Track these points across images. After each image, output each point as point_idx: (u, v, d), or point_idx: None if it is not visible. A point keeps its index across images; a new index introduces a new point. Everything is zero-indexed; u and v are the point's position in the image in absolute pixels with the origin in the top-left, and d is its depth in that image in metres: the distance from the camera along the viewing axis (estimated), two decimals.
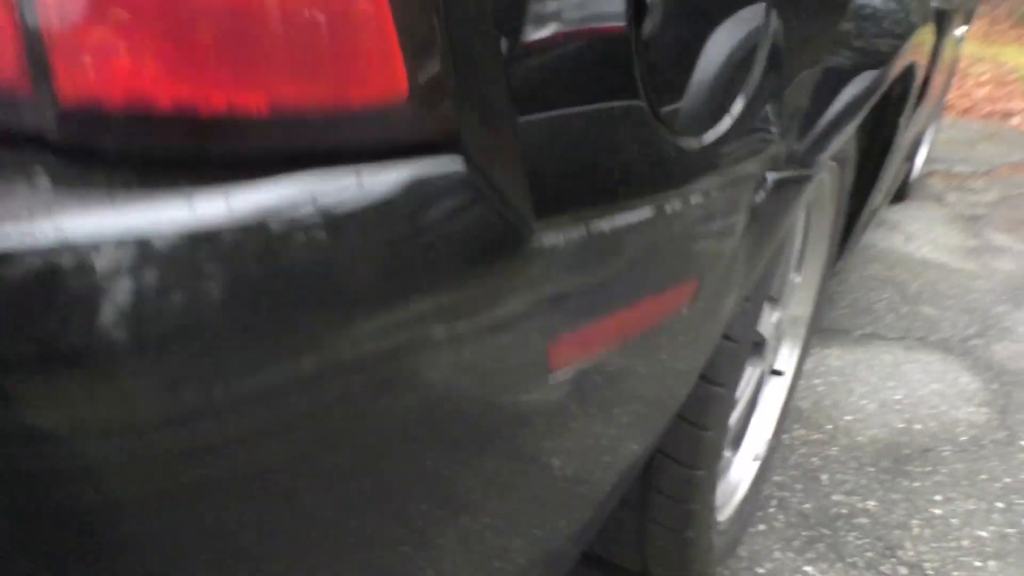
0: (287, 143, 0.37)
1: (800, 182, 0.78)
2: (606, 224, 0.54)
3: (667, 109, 0.55)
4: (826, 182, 1.17)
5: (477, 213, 0.44)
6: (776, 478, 1.45)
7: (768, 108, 0.68)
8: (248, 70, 0.35)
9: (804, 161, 0.78)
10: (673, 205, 0.60)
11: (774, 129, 0.70)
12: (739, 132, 0.64)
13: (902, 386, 1.80)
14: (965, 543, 1.33)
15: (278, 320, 0.37)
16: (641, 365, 0.68)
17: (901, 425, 1.65)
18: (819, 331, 2.02)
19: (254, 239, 0.35)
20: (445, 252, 0.43)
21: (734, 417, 1.11)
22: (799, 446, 1.55)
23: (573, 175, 0.50)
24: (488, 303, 0.47)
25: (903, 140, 1.52)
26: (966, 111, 5.04)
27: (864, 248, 2.66)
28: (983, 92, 5.34)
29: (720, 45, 0.59)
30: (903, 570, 1.26)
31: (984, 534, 1.36)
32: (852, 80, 0.83)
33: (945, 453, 1.57)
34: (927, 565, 1.27)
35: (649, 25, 0.51)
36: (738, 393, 1.13)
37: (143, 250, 0.33)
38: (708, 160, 0.62)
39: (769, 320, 1.13)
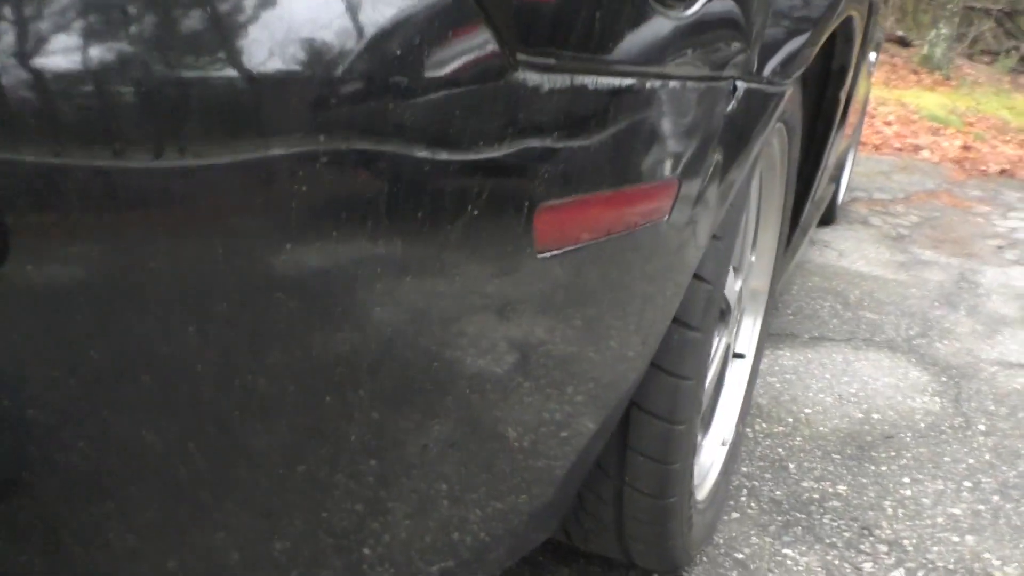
0: None
1: (767, 99, 0.76)
2: (589, 81, 0.49)
3: None
4: (775, 147, 1.16)
5: (458, 17, 0.39)
6: (744, 469, 1.39)
7: (737, 7, 0.65)
8: None
9: (771, 78, 0.75)
10: (653, 82, 0.56)
11: (743, 36, 0.68)
12: (713, 18, 0.61)
13: (856, 381, 1.79)
14: (940, 520, 1.30)
15: None
16: (623, 271, 0.63)
17: (860, 415, 1.63)
18: (769, 336, 2.01)
19: None
20: (422, 46, 0.37)
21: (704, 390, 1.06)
22: (763, 439, 1.51)
23: (558, 16, 0.45)
24: (471, 135, 0.41)
25: (840, 129, 1.54)
26: (878, 147, 5.28)
27: (802, 264, 2.70)
28: (892, 130, 5.61)
29: None
30: (882, 547, 1.21)
31: (956, 511, 1.33)
32: (810, 6, 0.82)
33: (907, 439, 1.55)
34: (905, 542, 1.23)
35: None
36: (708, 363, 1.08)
37: None
38: (685, 39, 0.58)
39: (732, 286, 1.10)
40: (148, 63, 0.28)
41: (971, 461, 1.50)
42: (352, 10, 0.35)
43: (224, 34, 0.30)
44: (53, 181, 0.28)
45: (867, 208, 3.76)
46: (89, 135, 0.28)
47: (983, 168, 4.97)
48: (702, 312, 0.83)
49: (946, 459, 1.50)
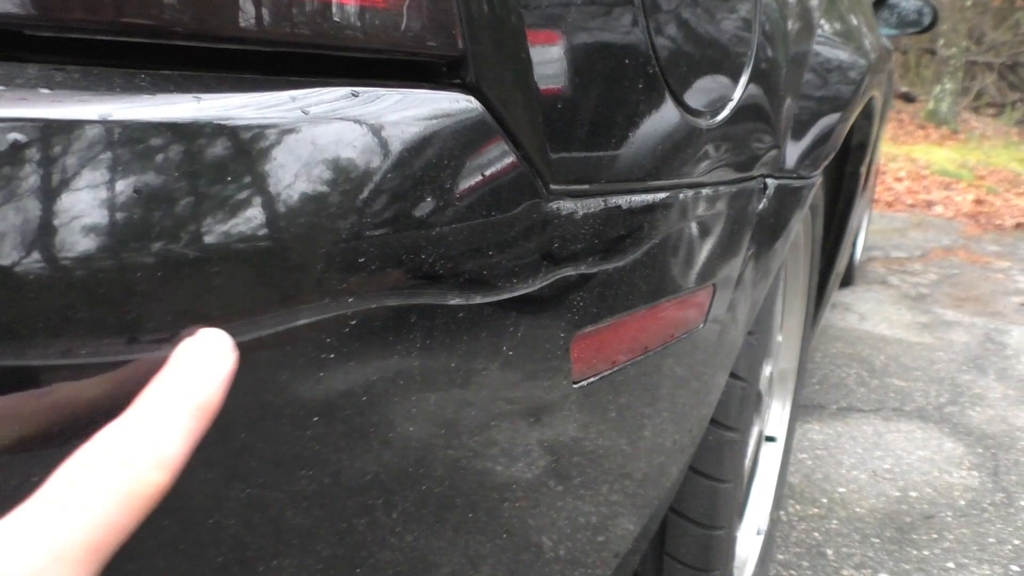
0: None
1: (797, 193, 0.74)
2: (623, 200, 0.47)
3: (677, 80, 0.50)
4: (800, 232, 1.14)
5: (491, 156, 0.37)
6: (780, 556, 1.33)
7: (765, 108, 0.64)
8: None
9: (800, 172, 0.73)
10: (686, 192, 0.54)
11: (771, 134, 0.66)
12: (742, 123, 0.59)
13: (889, 455, 1.73)
14: None
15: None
16: (660, 382, 0.60)
17: (897, 493, 1.57)
18: (796, 407, 1.96)
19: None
20: (455, 190, 0.35)
21: None
22: (797, 522, 1.45)
23: (591, 144, 0.44)
24: (505, 274, 0.39)
25: (862, 200, 1.52)
26: (891, 204, 5.28)
27: (823, 329, 2.65)
28: (903, 186, 5.61)
29: (721, 27, 0.55)
30: None
31: None
32: (834, 95, 0.80)
33: (947, 519, 1.49)
34: None
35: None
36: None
37: None
38: (716, 146, 0.56)
39: (764, 374, 1.06)
40: (161, 242, 0.26)
41: (1016, 542, 1.43)
42: (378, 162, 0.33)
43: (240, 200, 0.28)
44: (65, 372, 0.25)
45: (884, 267, 3.73)
46: (100, 320, 0.26)
47: (998, 222, 4.94)
48: (738, 411, 0.79)
49: (990, 540, 1.43)
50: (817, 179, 0.78)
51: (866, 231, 3.61)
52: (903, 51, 9.13)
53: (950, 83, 7.68)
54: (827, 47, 0.81)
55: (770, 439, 1.26)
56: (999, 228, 4.82)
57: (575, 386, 0.47)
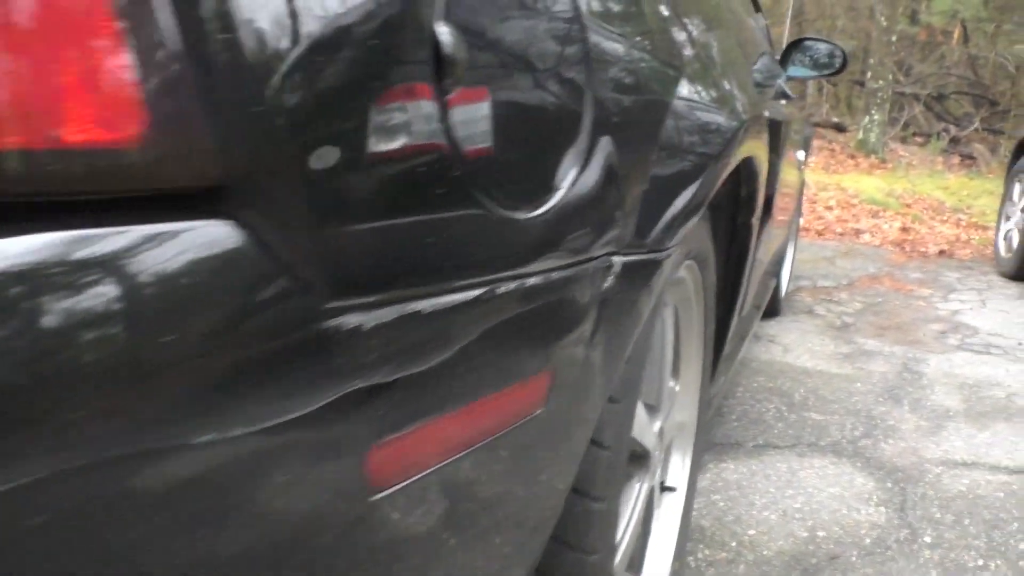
0: None
1: (650, 267, 0.75)
2: (425, 305, 0.47)
3: (487, 177, 0.50)
4: (689, 282, 1.16)
5: (253, 282, 0.37)
6: None
7: (605, 186, 0.64)
8: None
9: (652, 245, 0.75)
10: (506, 285, 0.54)
11: (616, 210, 0.67)
12: (574, 208, 0.60)
13: (800, 493, 1.76)
14: None
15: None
16: (495, 478, 0.59)
17: (805, 534, 1.59)
18: (713, 445, 1.98)
19: None
20: (215, 319, 0.35)
21: (627, 538, 1.02)
22: (706, 568, 1.46)
23: (377, 248, 0.43)
24: (283, 399, 0.39)
25: (760, 245, 1.56)
26: (821, 232, 5.41)
27: (747, 361, 2.70)
28: (833, 215, 5.77)
29: (538, 112, 0.56)
30: None
31: None
32: (694, 162, 0.82)
33: (853, 558, 1.52)
34: None
35: (453, 80, 0.47)
36: (628, 511, 1.04)
37: None
38: (542, 237, 0.57)
39: (650, 429, 1.07)
40: None
41: None
42: (124, 304, 0.32)
43: None
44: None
45: (812, 297, 3.81)
46: None
47: (923, 250, 5.11)
48: (605, 480, 0.80)
49: None
50: (675, 250, 0.79)
51: (792, 263, 3.69)
52: (834, 83, 9.45)
53: (878, 114, 7.96)
54: (686, 115, 0.82)
55: (669, 489, 1.27)
56: (923, 256, 4.98)
57: (378, 496, 0.46)
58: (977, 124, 8.99)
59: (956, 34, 9.74)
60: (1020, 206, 4.39)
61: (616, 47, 0.67)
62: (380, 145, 0.42)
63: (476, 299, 0.51)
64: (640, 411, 1.01)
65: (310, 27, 0.37)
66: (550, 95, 0.56)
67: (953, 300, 3.91)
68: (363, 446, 0.44)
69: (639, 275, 0.73)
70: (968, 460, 2.00)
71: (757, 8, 2.60)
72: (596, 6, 0.65)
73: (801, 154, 3.24)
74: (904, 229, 5.55)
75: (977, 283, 4.33)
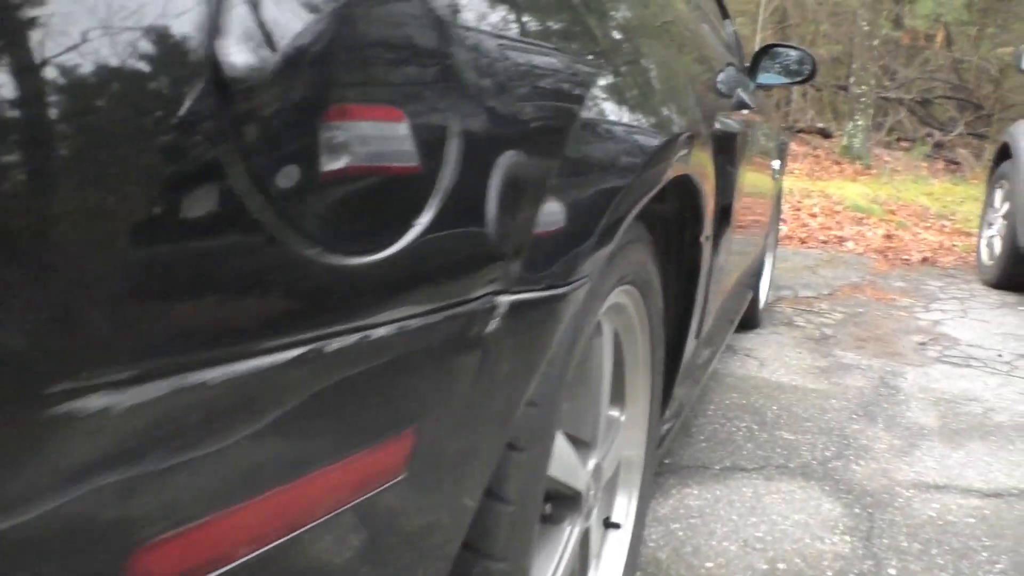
0: None
1: (550, 303, 0.67)
2: (209, 376, 0.39)
3: (305, 218, 0.43)
4: (630, 307, 1.09)
5: None
6: None
7: (480, 219, 0.57)
8: None
9: (552, 280, 0.67)
10: (342, 341, 0.46)
11: (498, 245, 0.59)
12: (437, 246, 0.52)
13: (764, 521, 1.68)
14: None
15: None
16: (354, 551, 0.52)
17: (764, 566, 1.51)
18: (679, 469, 1.91)
19: None
20: None
21: None
22: None
23: (134, 305, 0.36)
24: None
25: (718, 261, 1.48)
26: (804, 240, 5.36)
27: (722, 377, 2.63)
28: (817, 222, 5.72)
29: (381, 131, 0.48)
30: None
31: None
32: (603, 187, 0.74)
33: None
34: None
35: (248, 101, 0.39)
36: (556, 556, 0.97)
37: None
38: (390, 282, 0.49)
39: (581, 468, 0.99)
40: None
41: None
42: None
43: None
44: None
45: (792, 307, 3.75)
46: None
47: (906, 257, 5.06)
48: (507, 538, 0.72)
49: None
50: (582, 285, 0.72)
51: (771, 275, 3.63)
52: (818, 88, 9.41)
53: (862, 119, 7.93)
54: (593, 134, 0.74)
55: (614, 526, 1.19)
56: (906, 264, 4.93)
57: None
58: (961, 128, 8.97)
59: (939, 38, 9.73)
60: (1002, 212, 4.34)
61: (499, 53, 0.60)
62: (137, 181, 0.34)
63: (294, 360, 0.43)
64: (565, 450, 0.94)
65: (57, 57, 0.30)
66: (398, 108, 0.48)
67: (935, 310, 3.85)
68: (119, 554, 0.36)
69: (535, 313, 0.66)
70: (940, 483, 1.93)
71: (725, 15, 2.54)
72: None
73: (777, 163, 3.18)
74: (888, 236, 5.50)
75: (959, 292, 4.28)
